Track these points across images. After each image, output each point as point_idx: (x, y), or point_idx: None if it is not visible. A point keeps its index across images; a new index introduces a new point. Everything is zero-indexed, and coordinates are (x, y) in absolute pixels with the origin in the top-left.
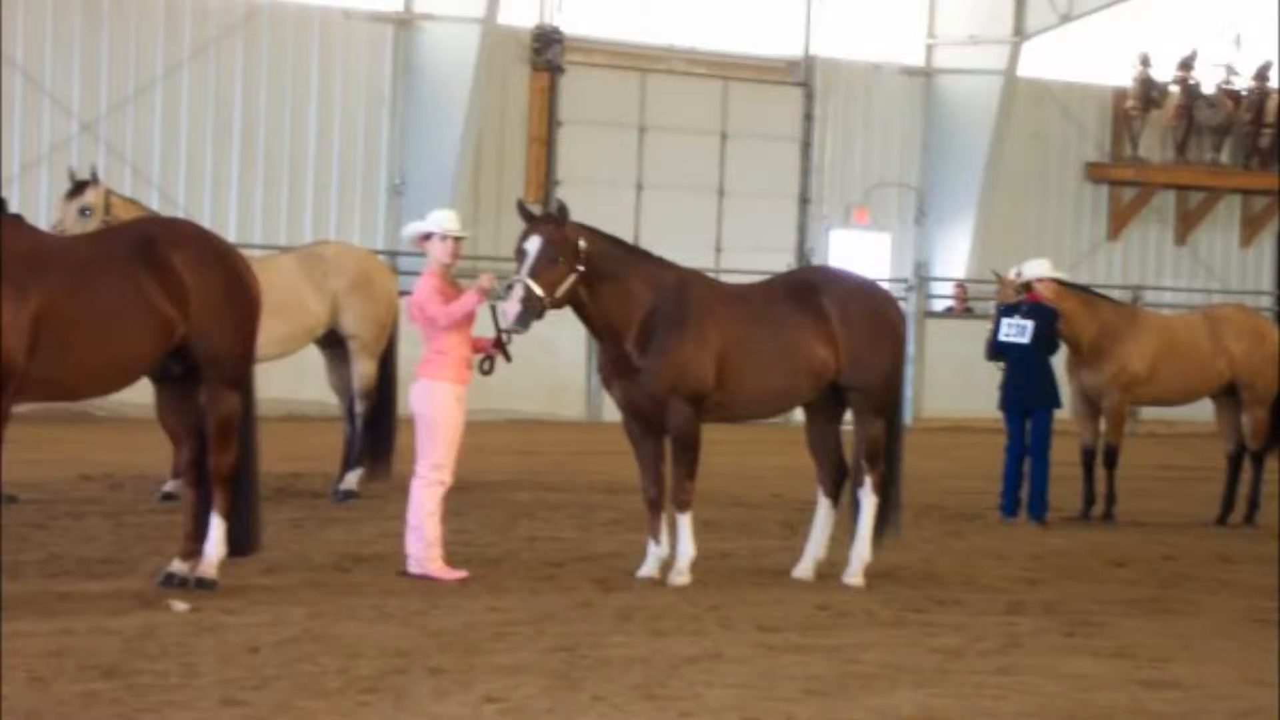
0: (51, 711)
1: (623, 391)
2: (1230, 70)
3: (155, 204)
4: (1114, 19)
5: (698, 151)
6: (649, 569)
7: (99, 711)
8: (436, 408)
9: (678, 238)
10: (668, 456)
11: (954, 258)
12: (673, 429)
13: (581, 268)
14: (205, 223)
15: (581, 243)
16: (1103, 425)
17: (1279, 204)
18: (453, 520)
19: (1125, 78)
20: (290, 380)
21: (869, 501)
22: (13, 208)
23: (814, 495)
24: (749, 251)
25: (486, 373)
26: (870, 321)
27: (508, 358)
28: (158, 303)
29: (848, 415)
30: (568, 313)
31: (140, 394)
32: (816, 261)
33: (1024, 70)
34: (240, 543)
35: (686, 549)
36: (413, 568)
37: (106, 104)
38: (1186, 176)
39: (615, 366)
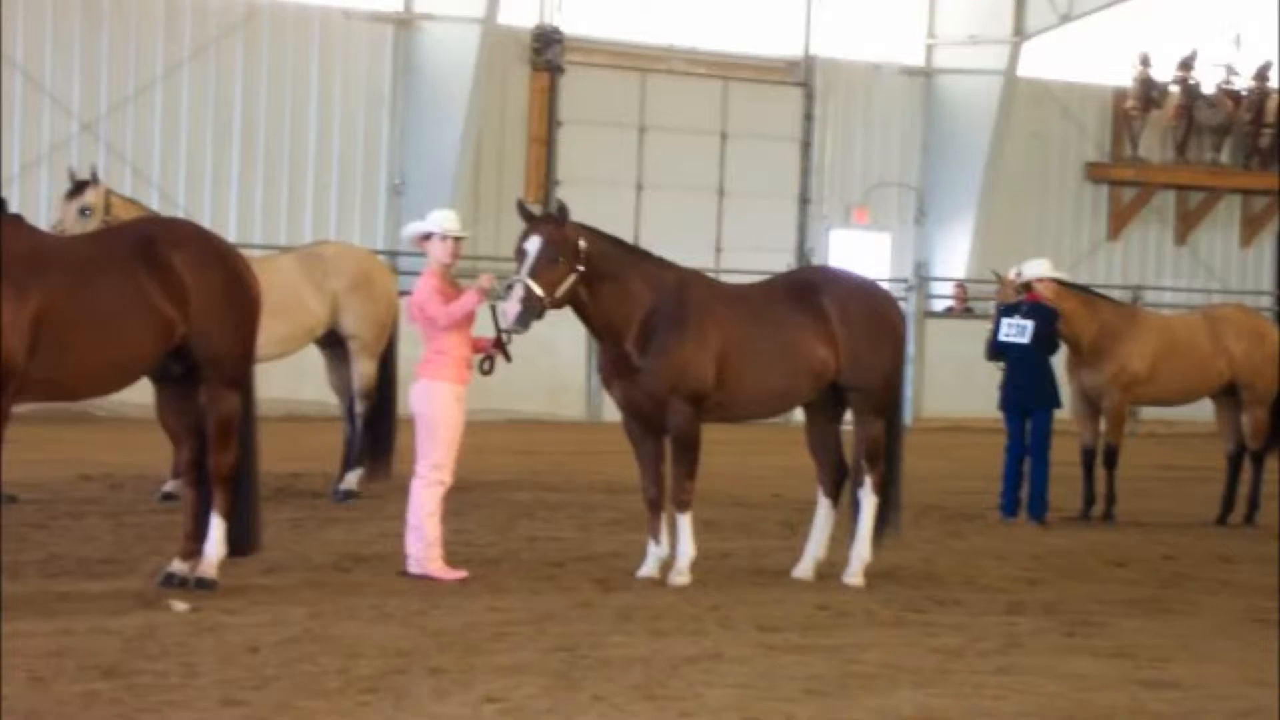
0: (51, 711)
1: (623, 391)
2: (1230, 70)
3: (155, 204)
4: (1114, 19)
5: (698, 151)
6: (649, 569)
7: (99, 711)
8: (436, 408)
9: (678, 238)
10: (668, 456)
11: (954, 258)
12: (673, 429)
13: (581, 268)
14: (205, 223)
15: (581, 243)
16: (1103, 425)
17: (1279, 204)
18: (453, 520)
19: (1125, 78)
20: (290, 380)
21: (869, 501)
22: (13, 208)
23: (814, 495)
24: (749, 251)
25: (486, 373)
26: (870, 321)
27: (508, 358)
28: (158, 303)
29: (848, 415)
30: (568, 313)
31: (140, 394)
32: (816, 261)
33: (1024, 70)
34: (240, 543)
35: (686, 549)
36: (413, 568)
37: (106, 104)
38: (1186, 176)
39: (615, 366)
